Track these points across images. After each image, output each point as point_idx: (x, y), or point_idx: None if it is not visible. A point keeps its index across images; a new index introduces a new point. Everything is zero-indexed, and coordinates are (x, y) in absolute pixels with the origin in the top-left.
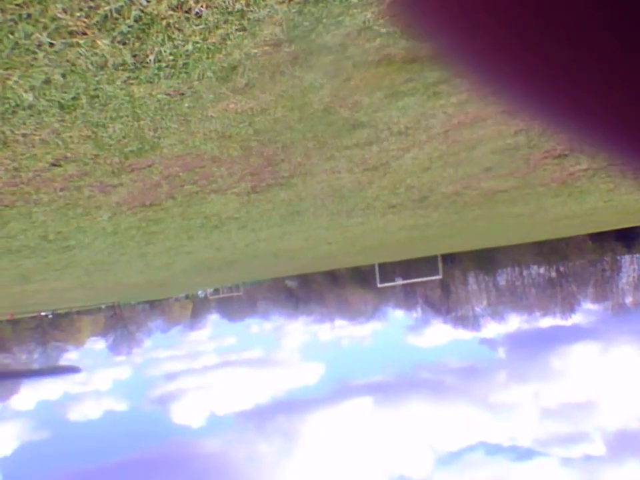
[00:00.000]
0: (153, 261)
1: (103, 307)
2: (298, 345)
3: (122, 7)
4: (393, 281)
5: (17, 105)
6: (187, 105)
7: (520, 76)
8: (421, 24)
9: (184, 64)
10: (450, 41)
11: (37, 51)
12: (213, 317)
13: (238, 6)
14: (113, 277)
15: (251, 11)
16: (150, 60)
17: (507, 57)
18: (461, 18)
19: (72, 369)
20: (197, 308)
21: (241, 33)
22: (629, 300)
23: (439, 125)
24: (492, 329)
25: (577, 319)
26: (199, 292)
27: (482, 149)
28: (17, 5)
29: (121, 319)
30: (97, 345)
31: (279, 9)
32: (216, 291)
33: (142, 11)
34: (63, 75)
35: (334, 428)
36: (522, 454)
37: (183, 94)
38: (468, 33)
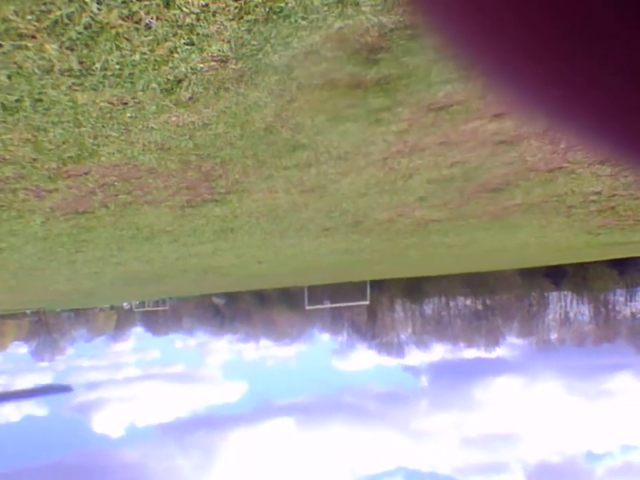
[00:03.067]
0: (82, 269)
1: (28, 312)
2: (221, 363)
3: (73, 12)
4: (321, 303)
5: None
6: (129, 114)
7: (538, 76)
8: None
9: (130, 74)
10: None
11: None
12: (137, 330)
13: (188, 20)
14: (40, 283)
15: (201, 26)
16: (96, 67)
17: (509, 42)
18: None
19: (64, 388)
20: (122, 320)
21: (189, 47)
22: (554, 336)
23: (377, 152)
24: (416, 356)
25: (501, 352)
26: (125, 304)
27: (418, 178)
28: None
29: (45, 325)
30: (20, 349)
31: (228, 26)
32: (141, 303)
33: (92, 19)
34: (9, 77)
35: (254, 446)
36: None
37: (126, 103)
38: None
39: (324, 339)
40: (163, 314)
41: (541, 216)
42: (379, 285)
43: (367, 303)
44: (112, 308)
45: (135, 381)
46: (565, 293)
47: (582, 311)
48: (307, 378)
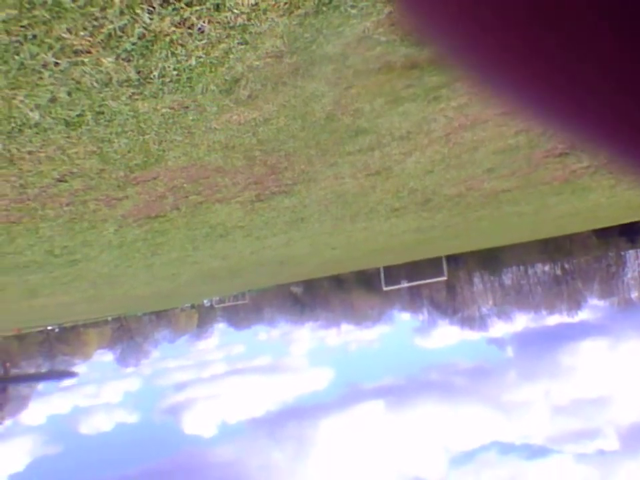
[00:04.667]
0: (159, 272)
1: (109, 319)
2: (306, 351)
3: (125, 25)
4: (399, 283)
5: (23, 124)
6: (190, 118)
7: (522, 76)
8: (425, 24)
9: (187, 78)
10: (454, 41)
11: (43, 70)
12: (220, 326)
13: (240, 20)
14: (119, 289)
15: (253, 25)
16: (154, 75)
17: (510, 57)
18: (465, 19)
19: (68, 374)
20: (203, 317)
21: (243, 46)
22: (635, 295)
23: (440, 128)
24: (499, 328)
25: (583, 315)
26: (205, 301)
27: (483, 150)
28: (21, 26)
29: (127, 331)
30: (105, 357)
31: (279, 22)
32: (221, 299)
33: (145, 29)
34: (69, 93)
35: (346, 432)
36: (535, 452)
37: (186, 107)
38: (472, 33)
39: (404, 318)
40: (244, 307)
41: (609, 176)
42: (455, 260)
43: (445, 278)
44: (193, 307)
45: (222, 378)
46: None
47: None
48: (391, 359)
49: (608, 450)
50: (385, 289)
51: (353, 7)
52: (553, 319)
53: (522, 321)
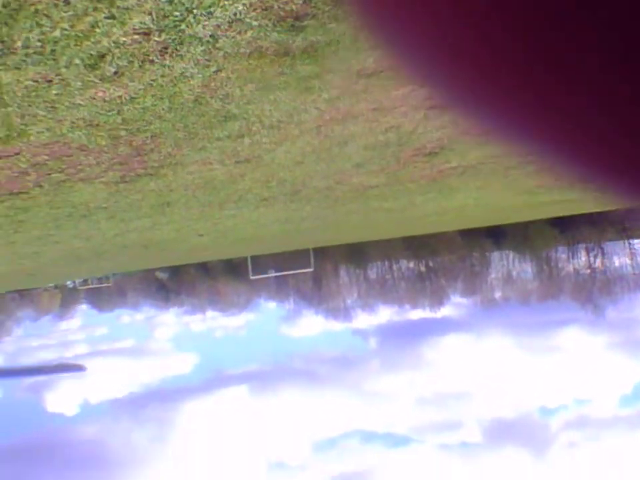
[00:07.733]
0: (22, 250)
1: None
2: (170, 336)
3: None
4: (266, 273)
5: None
6: (54, 92)
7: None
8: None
9: (52, 50)
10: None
11: None
12: (83, 307)
13: None
14: None
15: None
16: (18, 46)
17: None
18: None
19: (77, 367)
20: (66, 298)
21: (110, 20)
22: (498, 294)
23: (311, 119)
24: (363, 320)
25: (446, 311)
26: (68, 282)
27: (353, 144)
28: None
29: None
30: None
31: None
32: (84, 281)
33: None
34: None
35: (209, 416)
36: (398, 440)
37: (50, 81)
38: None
39: (271, 307)
40: (107, 290)
41: (477, 178)
42: (322, 252)
43: (311, 270)
44: (56, 287)
45: (85, 358)
46: (507, 252)
47: (524, 269)
48: (256, 346)
49: (470, 442)
50: (252, 277)
51: None
52: (416, 314)
53: (385, 314)
